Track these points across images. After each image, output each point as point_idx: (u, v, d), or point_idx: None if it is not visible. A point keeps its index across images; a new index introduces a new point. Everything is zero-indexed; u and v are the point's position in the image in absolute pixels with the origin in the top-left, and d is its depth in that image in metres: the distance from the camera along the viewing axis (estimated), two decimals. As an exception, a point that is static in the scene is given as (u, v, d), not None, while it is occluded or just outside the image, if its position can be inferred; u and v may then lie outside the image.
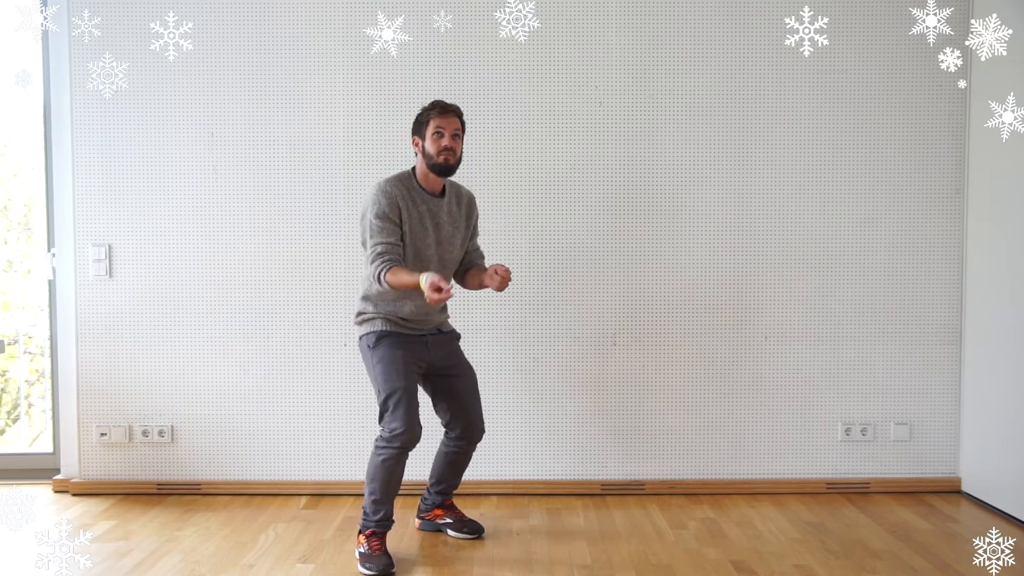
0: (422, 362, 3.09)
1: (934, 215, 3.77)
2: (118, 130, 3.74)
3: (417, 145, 3.06)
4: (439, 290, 2.72)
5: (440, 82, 3.68)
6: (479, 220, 3.28)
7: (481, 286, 3.14)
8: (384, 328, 3.05)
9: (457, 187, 3.19)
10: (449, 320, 3.27)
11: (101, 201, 3.75)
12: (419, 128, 3.05)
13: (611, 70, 3.72)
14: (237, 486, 3.78)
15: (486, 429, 3.29)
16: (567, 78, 3.72)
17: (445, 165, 3.02)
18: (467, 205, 3.19)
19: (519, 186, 3.73)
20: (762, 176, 3.75)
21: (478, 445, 3.29)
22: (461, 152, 3.07)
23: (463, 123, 3.09)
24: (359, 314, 3.11)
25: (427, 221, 3.05)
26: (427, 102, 3.04)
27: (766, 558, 3.04)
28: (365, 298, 3.09)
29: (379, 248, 2.94)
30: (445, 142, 3.00)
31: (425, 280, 2.76)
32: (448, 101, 3.08)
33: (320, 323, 3.75)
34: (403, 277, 2.87)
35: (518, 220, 3.72)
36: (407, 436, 2.95)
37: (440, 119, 3.01)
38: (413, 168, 3.10)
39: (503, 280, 2.94)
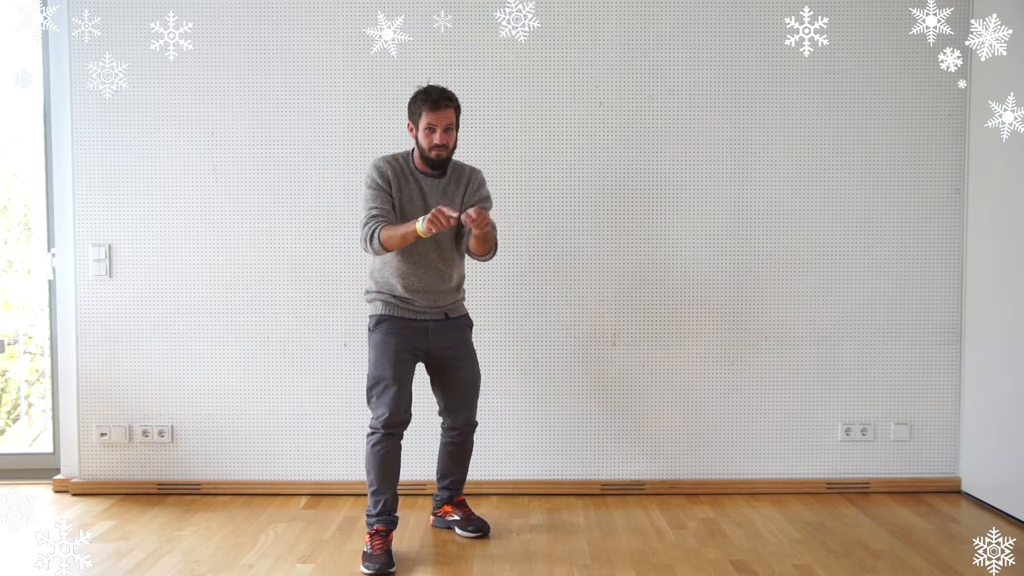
0: (418, 350, 3.11)
1: (934, 215, 3.77)
2: (118, 130, 3.74)
3: (412, 131, 3.06)
4: (438, 217, 2.77)
5: (440, 82, 3.65)
6: (486, 189, 3.18)
7: (475, 242, 3.01)
8: (383, 312, 3.10)
9: (460, 166, 3.16)
10: (464, 303, 3.25)
11: (101, 201, 3.75)
12: (412, 116, 3.04)
13: (611, 70, 3.72)
14: (237, 486, 3.78)
15: (479, 422, 3.34)
16: (567, 78, 3.72)
17: (437, 160, 3.03)
18: (466, 180, 3.13)
19: (519, 186, 3.72)
20: (762, 176, 3.75)
21: (478, 442, 3.31)
22: (455, 142, 3.06)
23: (458, 109, 3.05)
24: (366, 292, 3.16)
25: (417, 199, 3.05)
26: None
27: (766, 558, 3.04)
28: (370, 274, 3.15)
29: (372, 212, 3.00)
30: (437, 139, 2.99)
31: (422, 219, 2.82)
32: (442, 88, 3.03)
33: (320, 323, 3.76)
34: (397, 230, 2.91)
35: (518, 220, 3.72)
36: (391, 420, 3.01)
37: (432, 114, 2.97)
38: (413, 149, 3.11)
39: (475, 220, 2.82)
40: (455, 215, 2.81)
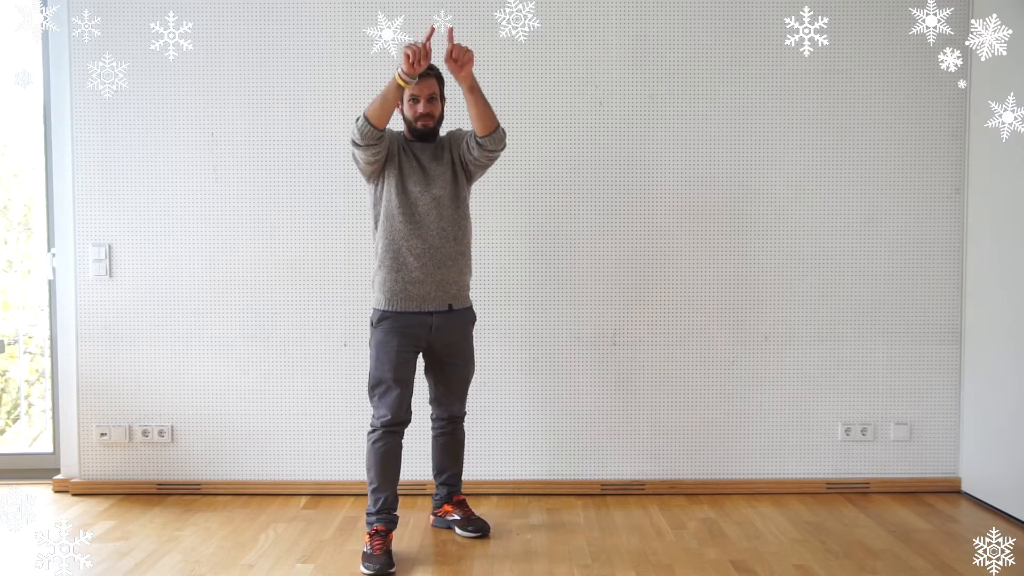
0: (419, 346, 3.12)
1: (934, 215, 3.77)
2: (118, 130, 3.74)
3: (399, 108, 3.07)
4: (408, 54, 2.78)
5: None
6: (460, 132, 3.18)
7: (473, 106, 2.96)
8: (386, 308, 3.07)
9: (441, 136, 3.18)
10: (470, 293, 3.22)
11: (101, 201, 3.75)
12: None
13: (611, 70, 3.72)
14: (237, 486, 3.78)
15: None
16: (567, 78, 3.72)
17: (424, 131, 3.07)
18: (448, 139, 3.15)
19: (519, 186, 3.72)
20: (762, 176, 3.75)
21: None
22: (441, 112, 3.10)
23: (441, 80, 3.08)
24: (372, 282, 3.13)
25: (413, 162, 3.07)
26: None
27: (766, 558, 3.04)
28: (375, 252, 3.12)
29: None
30: (421, 108, 3.04)
31: (397, 69, 2.83)
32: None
33: (320, 323, 3.76)
34: (375, 98, 2.89)
35: (518, 220, 3.72)
36: (392, 420, 3.04)
37: (414, 85, 2.99)
38: (403, 130, 3.15)
39: (456, 57, 2.85)
40: (423, 43, 2.81)
